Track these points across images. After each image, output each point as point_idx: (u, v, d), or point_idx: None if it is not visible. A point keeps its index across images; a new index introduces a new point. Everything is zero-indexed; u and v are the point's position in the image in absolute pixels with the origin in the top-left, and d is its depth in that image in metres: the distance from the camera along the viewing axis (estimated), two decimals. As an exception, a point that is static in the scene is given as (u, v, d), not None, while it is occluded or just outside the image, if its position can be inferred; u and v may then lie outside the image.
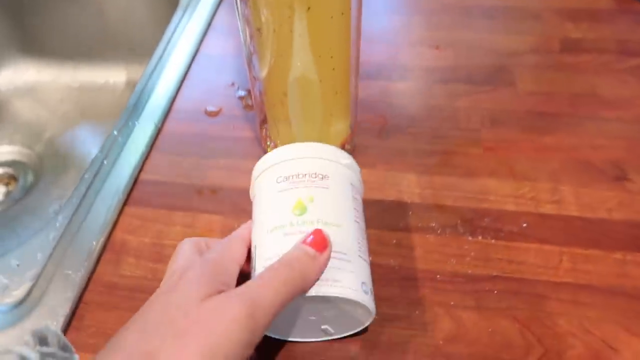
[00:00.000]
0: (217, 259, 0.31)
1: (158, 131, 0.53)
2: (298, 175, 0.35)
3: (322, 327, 0.35)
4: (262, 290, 0.28)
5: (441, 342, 0.37)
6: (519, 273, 0.40)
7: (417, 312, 0.39)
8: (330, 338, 0.37)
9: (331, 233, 0.32)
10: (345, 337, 0.37)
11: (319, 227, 0.32)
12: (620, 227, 0.43)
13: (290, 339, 0.37)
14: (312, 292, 0.30)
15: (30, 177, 0.77)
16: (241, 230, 0.35)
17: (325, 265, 0.31)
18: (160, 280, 0.32)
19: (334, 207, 0.34)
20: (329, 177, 0.35)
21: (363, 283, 0.32)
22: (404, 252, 0.42)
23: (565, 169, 0.48)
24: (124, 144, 0.51)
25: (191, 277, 0.29)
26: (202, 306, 0.27)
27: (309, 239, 0.31)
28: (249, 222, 0.36)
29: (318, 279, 0.31)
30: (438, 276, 0.40)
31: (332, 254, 0.32)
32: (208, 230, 0.44)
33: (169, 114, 0.55)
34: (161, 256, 0.42)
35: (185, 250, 0.33)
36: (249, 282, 0.29)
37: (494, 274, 0.40)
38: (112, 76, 0.85)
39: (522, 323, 0.38)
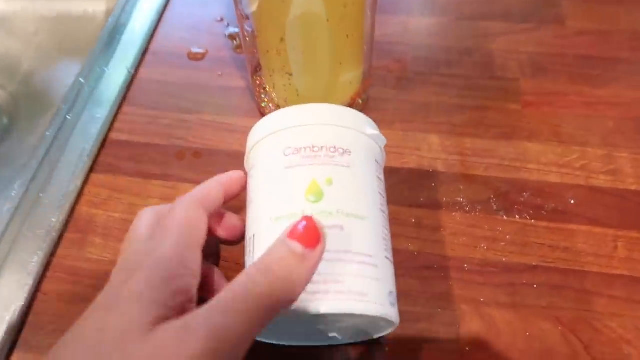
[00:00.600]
0: (172, 252, 0.24)
1: (131, 79, 0.44)
2: (313, 147, 0.27)
3: (330, 334, 0.29)
4: (231, 318, 0.21)
5: (467, 348, 0.31)
6: (563, 262, 0.33)
7: (439, 311, 0.32)
8: (335, 344, 0.30)
9: (354, 228, 0.25)
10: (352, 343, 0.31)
11: (339, 219, 0.25)
12: (689, 205, 0.35)
13: (285, 344, 0.30)
14: (331, 308, 0.23)
15: (4, 121, 0.70)
16: (209, 185, 0.28)
17: (317, 265, 0.24)
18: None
19: (357, 192, 0.27)
20: (351, 152, 0.27)
21: (390, 293, 0.26)
22: (425, 234, 0.35)
23: (622, 131, 0.39)
24: (90, 94, 0.43)
25: (136, 288, 0.22)
26: (148, 341, 0.20)
27: (297, 230, 0.24)
28: (229, 173, 0.30)
29: (308, 282, 0.24)
30: (466, 265, 0.34)
31: (355, 257, 0.25)
32: (190, 203, 0.37)
33: (144, 57, 0.46)
34: (134, 236, 0.35)
35: (141, 228, 0.26)
36: (213, 304, 0.22)
37: (534, 263, 0.34)
38: (91, 5, 0.76)
39: (566, 325, 0.31)
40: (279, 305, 0.23)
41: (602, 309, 0.32)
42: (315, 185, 0.26)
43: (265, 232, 0.26)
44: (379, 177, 0.29)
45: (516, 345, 0.31)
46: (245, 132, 0.31)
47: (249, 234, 0.27)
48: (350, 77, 0.37)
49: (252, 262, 0.24)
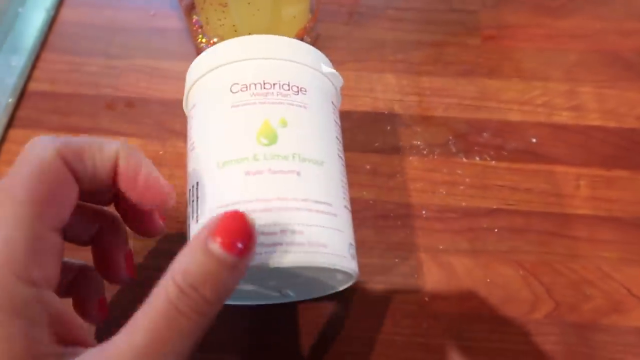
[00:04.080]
0: (21, 237, 0.17)
1: (51, 21, 0.39)
2: (264, 84, 0.24)
3: (283, 291, 0.27)
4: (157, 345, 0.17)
5: (427, 298, 0.29)
6: (525, 204, 0.32)
7: (396, 260, 0.30)
8: (287, 301, 0.28)
9: (311, 174, 0.23)
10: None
11: (295, 164, 0.22)
12: (653, 140, 0.34)
13: (232, 303, 0.28)
14: (291, 261, 0.21)
15: None
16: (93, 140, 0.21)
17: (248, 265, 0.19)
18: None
19: (313, 135, 0.24)
20: (307, 91, 0.24)
21: (350, 245, 0.24)
22: (381, 181, 0.33)
23: (586, 64, 0.37)
24: (4, 40, 0.38)
25: None
26: None
27: (219, 225, 0.18)
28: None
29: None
30: (424, 212, 0.32)
31: (313, 205, 0.22)
32: (124, 158, 0.33)
33: (65, -4, 0.41)
34: (61, 197, 0.32)
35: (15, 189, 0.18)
36: (117, 342, 0.17)
37: (494, 206, 0.32)
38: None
39: (528, 270, 0.30)
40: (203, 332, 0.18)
41: (564, 251, 0.31)
42: (267, 126, 0.23)
43: (210, 179, 0.23)
44: (335, 121, 0.26)
45: (477, 293, 0.29)
46: (182, 77, 0.27)
47: (191, 182, 0.24)
48: (294, 11, 0.33)
49: (200, 215, 0.21)
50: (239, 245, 0.18)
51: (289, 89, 0.24)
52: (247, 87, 0.24)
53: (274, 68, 0.24)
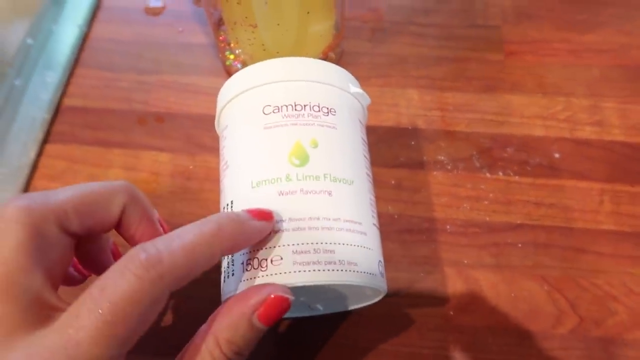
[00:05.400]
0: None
1: (83, 37, 0.40)
2: (295, 106, 0.25)
3: (312, 306, 0.27)
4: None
5: (452, 312, 0.30)
6: (549, 219, 0.32)
7: (421, 275, 0.31)
8: (315, 314, 0.29)
9: (342, 193, 0.23)
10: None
11: (327, 184, 0.23)
12: (677, 155, 0.34)
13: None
14: (322, 279, 0.22)
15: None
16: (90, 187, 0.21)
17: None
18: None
19: (343, 155, 0.25)
20: (336, 111, 0.25)
21: (379, 262, 0.24)
22: (405, 195, 0.33)
23: (609, 79, 0.37)
24: (39, 56, 0.39)
25: None
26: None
27: (267, 307, 0.20)
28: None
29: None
30: (448, 227, 0.32)
31: (345, 224, 0.23)
32: (154, 172, 0.34)
33: (96, 13, 0.42)
34: (95, 210, 0.33)
35: None
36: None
37: (518, 221, 0.32)
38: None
39: (552, 285, 0.30)
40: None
41: (588, 266, 0.31)
42: (299, 147, 0.24)
43: (244, 198, 0.23)
44: (363, 139, 0.27)
45: (501, 307, 0.30)
46: (210, 92, 0.28)
47: (225, 200, 0.25)
48: (320, 29, 0.34)
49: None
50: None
51: (319, 110, 0.25)
52: (278, 108, 0.25)
53: (304, 89, 0.25)
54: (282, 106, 0.25)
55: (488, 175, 0.34)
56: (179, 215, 0.33)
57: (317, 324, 0.29)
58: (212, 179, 0.34)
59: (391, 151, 0.35)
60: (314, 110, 0.25)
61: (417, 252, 0.31)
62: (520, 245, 0.31)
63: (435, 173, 0.34)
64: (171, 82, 0.38)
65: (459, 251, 0.31)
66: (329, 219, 0.23)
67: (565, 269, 0.31)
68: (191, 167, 0.34)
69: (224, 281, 0.23)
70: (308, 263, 0.22)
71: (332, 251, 0.22)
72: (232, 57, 0.36)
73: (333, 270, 0.22)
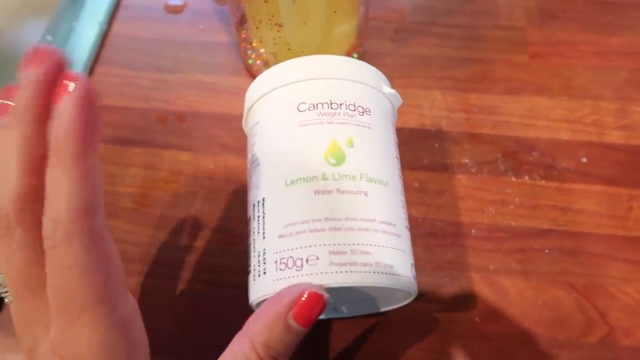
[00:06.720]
0: None
1: (104, 35, 0.40)
2: (330, 104, 0.24)
3: (337, 307, 0.27)
4: None
5: (477, 319, 0.29)
6: (576, 225, 0.32)
7: (446, 280, 0.30)
8: (339, 317, 0.29)
9: (377, 194, 0.23)
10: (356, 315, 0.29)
11: (363, 184, 0.23)
12: None
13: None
14: (358, 281, 0.21)
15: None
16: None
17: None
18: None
19: (379, 155, 0.24)
20: (371, 111, 0.25)
21: (412, 265, 0.24)
22: (429, 199, 0.33)
23: (636, 82, 0.37)
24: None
25: None
26: None
27: (303, 307, 0.20)
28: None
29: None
30: (473, 231, 0.32)
31: (380, 226, 0.22)
32: (175, 172, 0.34)
33: (117, 11, 0.42)
34: (116, 210, 0.32)
35: None
36: None
37: (545, 227, 0.32)
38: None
39: (580, 292, 0.30)
40: None
41: (618, 274, 0.30)
42: (335, 146, 0.23)
43: (277, 196, 0.23)
44: (395, 140, 0.27)
45: (528, 315, 0.29)
46: (231, 92, 0.28)
47: (256, 198, 0.24)
48: (345, 29, 0.33)
49: (267, 231, 0.22)
50: (314, 319, 0.20)
51: (354, 109, 0.24)
52: (314, 106, 0.24)
53: (340, 88, 0.25)
54: (317, 104, 0.24)
55: (513, 179, 0.33)
56: (200, 215, 0.32)
57: (336, 327, 0.29)
58: (233, 180, 0.33)
59: (414, 153, 0.34)
60: (349, 109, 0.24)
61: (441, 257, 0.31)
62: (547, 251, 0.31)
63: (459, 176, 0.33)
64: (192, 81, 0.38)
65: (484, 256, 0.31)
66: (365, 220, 0.22)
67: (593, 276, 0.30)
68: (212, 166, 0.34)
69: (254, 279, 0.23)
70: (345, 264, 0.21)
71: (368, 253, 0.22)
72: (253, 56, 0.36)
73: (370, 272, 0.21)
